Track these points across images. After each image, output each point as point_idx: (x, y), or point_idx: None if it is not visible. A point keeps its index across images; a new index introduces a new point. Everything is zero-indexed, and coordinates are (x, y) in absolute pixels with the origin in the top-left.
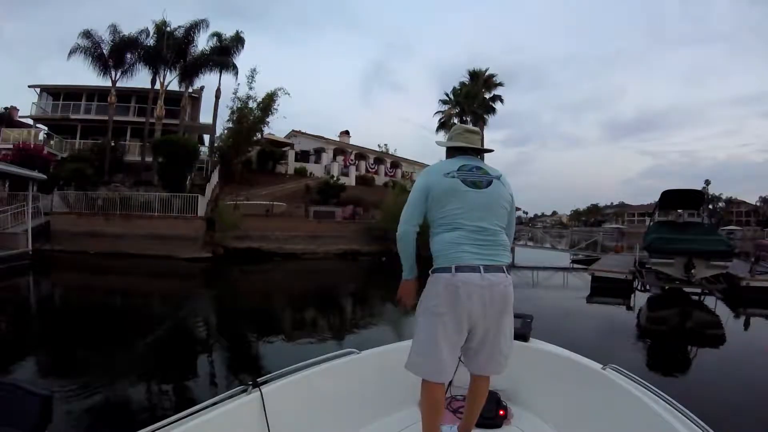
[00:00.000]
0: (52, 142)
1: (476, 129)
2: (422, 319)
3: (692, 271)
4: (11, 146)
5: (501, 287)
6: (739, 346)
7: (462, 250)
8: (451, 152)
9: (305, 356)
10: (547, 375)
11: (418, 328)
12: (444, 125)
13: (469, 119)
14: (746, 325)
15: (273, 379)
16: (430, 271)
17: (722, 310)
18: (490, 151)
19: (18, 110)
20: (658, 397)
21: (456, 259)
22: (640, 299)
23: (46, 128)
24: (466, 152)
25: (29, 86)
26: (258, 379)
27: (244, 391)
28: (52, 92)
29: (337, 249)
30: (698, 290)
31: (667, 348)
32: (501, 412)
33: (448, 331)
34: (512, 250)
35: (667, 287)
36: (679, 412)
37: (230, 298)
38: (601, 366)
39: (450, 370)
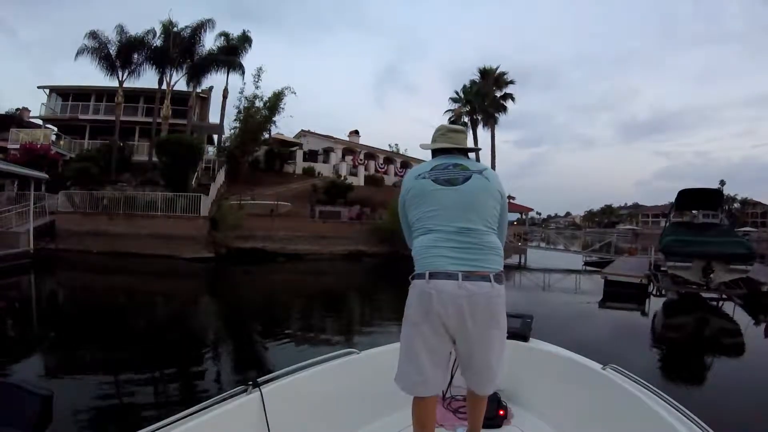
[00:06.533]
0: (61, 143)
1: (460, 128)
2: (403, 329)
3: (711, 275)
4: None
5: (483, 298)
6: (759, 356)
7: (437, 254)
8: (436, 154)
9: (305, 356)
10: (547, 375)
11: (401, 338)
12: (453, 124)
13: (479, 117)
14: None
15: (273, 379)
16: (410, 278)
17: (742, 317)
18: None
19: (29, 111)
20: (658, 397)
21: (429, 264)
22: (655, 304)
23: (55, 129)
24: (451, 153)
25: (38, 87)
26: (258, 379)
27: (244, 391)
28: (61, 93)
29: (342, 249)
30: (716, 295)
31: (683, 356)
32: (501, 412)
33: (429, 341)
34: (523, 252)
35: (683, 292)
36: (680, 412)
37: (229, 298)
38: (601, 366)
39: (436, 382)
